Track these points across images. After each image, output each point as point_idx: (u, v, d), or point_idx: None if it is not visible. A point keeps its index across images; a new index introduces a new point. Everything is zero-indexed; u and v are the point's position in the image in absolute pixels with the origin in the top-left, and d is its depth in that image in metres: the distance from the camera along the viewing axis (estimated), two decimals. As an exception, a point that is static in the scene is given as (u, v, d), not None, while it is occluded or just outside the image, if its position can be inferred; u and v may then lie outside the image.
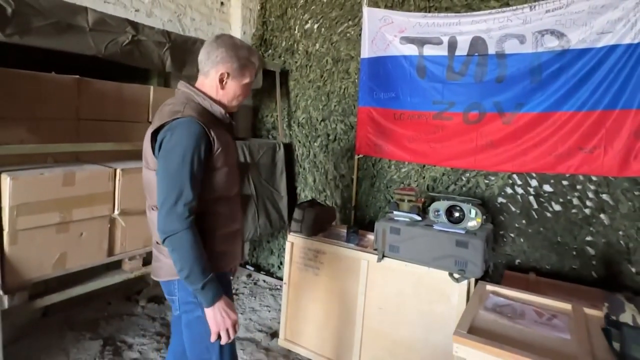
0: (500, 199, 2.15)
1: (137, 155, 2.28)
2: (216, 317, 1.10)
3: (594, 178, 1.92)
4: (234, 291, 2.81)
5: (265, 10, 3.21)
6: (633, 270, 1.82)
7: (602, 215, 1.90)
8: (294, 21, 3.03)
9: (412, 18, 2.40)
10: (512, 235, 2.11)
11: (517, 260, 2.08)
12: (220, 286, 1.11)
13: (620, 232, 1.86)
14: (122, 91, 2.22)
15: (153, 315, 2.43)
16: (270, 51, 3.15)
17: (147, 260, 2.02)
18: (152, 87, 2.35)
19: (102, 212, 1.84)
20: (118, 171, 1.87)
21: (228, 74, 1.17)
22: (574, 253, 1.95)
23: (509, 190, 2.13)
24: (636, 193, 1.83)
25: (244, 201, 2.49)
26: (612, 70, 1.90)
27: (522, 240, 2.08)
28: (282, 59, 3.06)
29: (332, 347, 1.96)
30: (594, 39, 1.94)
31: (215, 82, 1.17)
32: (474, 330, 1.24)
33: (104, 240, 1.86)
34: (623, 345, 1.08)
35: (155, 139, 1.12)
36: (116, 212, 1.87)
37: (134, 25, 2.02)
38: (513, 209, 2.11)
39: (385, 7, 2.55)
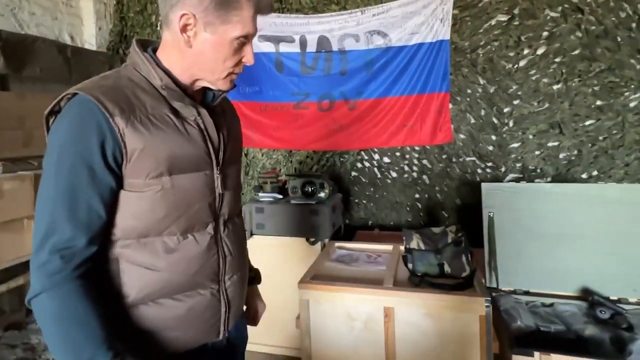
0: (353, 173, 2.56)
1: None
2: None
3: (416, 148, 2.45)
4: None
5: (122, 5, 3.08)
6: (446, 215, 2.39)
7: (423, 177, 2.44)
8: (156, 17, 2.99)
9: (268, 18, 2.63)
10: (364, 202, 2.54)
11: (370, 222, 2.53)
12: None
13: (436, 188, 2.41)
14: (-58, 96, 1.95)
15: (13, 343, 2.21)
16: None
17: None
18: (-18, 91, 2.10)
19: None
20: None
21: (195, 18, 0.69)
22: (408, 209, 2.46)
23: (359, 165, 2.55)
24: (443, 157, 2.40)
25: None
26: (421, 62, 2.41)
27: (371, 204, 2.52)
28: (146, 56, 3.00)
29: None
30: (408, 38, 2.43)
31: (179, 35, 0.70)
32: (318, 277, 1.53)
33: None
34: (413, 264, 1.48)
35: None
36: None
37: (-52, 21, 1.80)
38: (363, 179, 2.54)
39: (243, 6, 2.72)
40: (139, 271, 0.70)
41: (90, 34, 2.97)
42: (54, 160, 0.65)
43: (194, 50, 0.71)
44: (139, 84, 0.72)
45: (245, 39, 0.73)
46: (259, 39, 2.64)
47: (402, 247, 1.79)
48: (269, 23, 2.62)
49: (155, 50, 0.77)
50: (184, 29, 0.70)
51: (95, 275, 0.68)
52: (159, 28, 2.98)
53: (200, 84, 0.77)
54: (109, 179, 0.67)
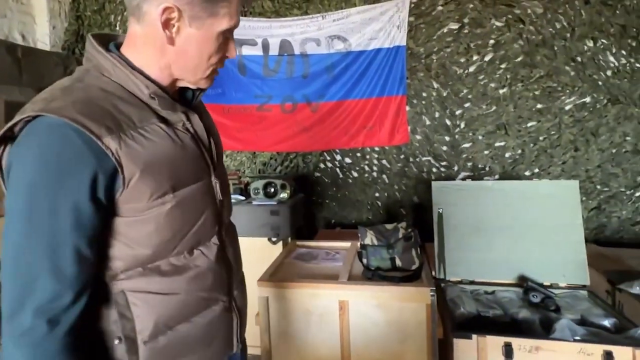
0: (316, 174, 2.63)
1: None
2: None
3: (376, 149, 2.55)
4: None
5: (78, 4, 2.99)
6: (404, 212, 2.51)
7: (383, 176, 2.55)
8: (114, 17, 2.93)
9: (230, 21, 2.65)
10: (327, 201, 2.61)
11: (332, 220, 2.60)
12: None
13: (395, 186, 2.53)
14: None
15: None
16: (89, 48, 2.97)
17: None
18: None
19: None
20: None
21: (180, 11, 0.61)
22: (369, 207, 2.56)
23: (322, 166, 2.62)
24: (401, 157, 2.52)
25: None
26: (379, 67, 2.52)
27: (334, 204, 2.60)
28: (105, 56, 2.93)
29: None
30: (366, 44, 2.53)
31: (156, 30, 0.61)
32: (277, 275, 1.58)
33: None
34: (367, 259, 1.56)
35: (3, 159, 0.59)
36: None
37: None
38: (326, 180, 2.62)
39: (205, 8, 2.73)
40: (152, 299, 0.63)
41: (43, 33, 2.86)
42: (21, 202, 0.53)
43: (176, 48, 0.63)
44: (115, 93, 0.61)
45: (229, 33, 0.67)
46: (222, 41, 2.66)
47: (358, 244, 1.87)
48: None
49: (118, 47, 0.66)
50: (166, 24, 0.61)
51: (88, 329, 0.59)
52: (118, 28, 2.91)
53: (179, 84, 0.69)
54: (98, 215, 0.57)
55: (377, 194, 2.55)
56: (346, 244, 1.88)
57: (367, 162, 2.57)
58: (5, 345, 0.53)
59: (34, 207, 0.53)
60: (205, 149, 0.71)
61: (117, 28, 2.91)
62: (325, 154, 2.62)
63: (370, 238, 1.59)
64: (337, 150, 2.60)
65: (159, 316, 0.64)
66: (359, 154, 2.57)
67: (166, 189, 0.62)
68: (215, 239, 0.72)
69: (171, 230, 0.64)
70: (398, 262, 1.53)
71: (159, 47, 0.63)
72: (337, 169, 2.60)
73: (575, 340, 1.21)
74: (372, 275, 1.47)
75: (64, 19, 2.99)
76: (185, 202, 0.65)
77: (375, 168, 2.56)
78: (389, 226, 1.65)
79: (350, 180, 2.58)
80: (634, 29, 2.15)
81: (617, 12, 2.16)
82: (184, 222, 0.65)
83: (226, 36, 0.67)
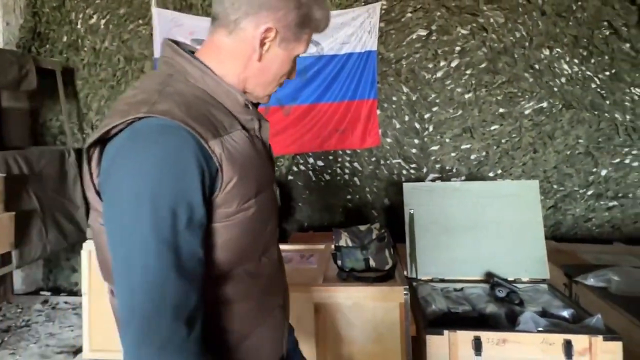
0: (289, 177, 2.62)
1: None
2: None
3: (347, 151, 2.58)
4: (24, 322, 2.46)
5: (35, 0, 2.83)
6: (375, 214, 2.56)
7: (355, 179, 2.58)
8: (76, 14, 2.79)
9: (200, 22, 2.60)
10: (300, 204, 2.61)
11: (305, 224, 2.61)
12: None
13: (367, 189, 2.57)
14: None
15: None
16: (47, 46, 2.81)
17: None
18: None
19: None
20: None
21: (277, 32, 0.65)
22: (341, 210, 2.58)
23: (295, 169, 2.62)
24: (372, 159, 2.57)
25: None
26: (351, 71, 2.56)
27: (307, 207, 2.61)
28: (65, 55, 2.79)
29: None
30: (339, 48, 2.56)
31: (251, 45, 0.65)
32: (251, 279, 1.56)
33: None
34: (341, 260, 1.58)
35: (93, 160, 0.60)
36: None
37: None
38: (299, 183, 2.62)
39: (175, 9, 2.66)
40: (225, 310, 0.63)
41: (-5, 29, 2.68)
42: (147, 203, 0.52)
43: (261, 64, 0.67)
44: (203, 99, 0.63)
45: (301, 53, 0.73)
46: (191, 42, 2.60)
47: (332, 246, 1.88)
48: (201, 27, 2.59)
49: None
50: (262, 41, 0.65)
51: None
52: (79, 26, 2.78)
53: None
54: (204, 215, 0.57)
55: (349, 197, 2.58)
56: (320, 247, 1.88)
57: (339, 164, 2.59)
58: (149, 356, 0.51)
59: (158, 207, 0.53)
60: (270, 156, 0.74)
61: (79, 26, 2.77)
62: (298, 157, 2.62)
63: (344, 240, 1.60)
64: (310, 153, 2.61)
65: (235, 327, 0.64)
66: (331, 157, 2.60)
67: (251, 194, 0.63)
68: (275, 244, 0.74)
69: (251, 236, 0.64)
70: (372, 263, 1.55)
71: (245, 61, 0.67)
72: (310, 172, 2.61)
73: (538, 332, 1.28)
74: (347, 277, 1.49)
75: (19, 15, 2.82)
76: (262, 207, 0.65)
77: (347, 171, 2.59)
78: (362, 227, 1.67)
79: (323, 183, 2.60)
80: (585, 40, 2.32)
81: (570, 23, 2.33)
82: (260, 228, 0.67)
83: (296, 60, 0.73)
